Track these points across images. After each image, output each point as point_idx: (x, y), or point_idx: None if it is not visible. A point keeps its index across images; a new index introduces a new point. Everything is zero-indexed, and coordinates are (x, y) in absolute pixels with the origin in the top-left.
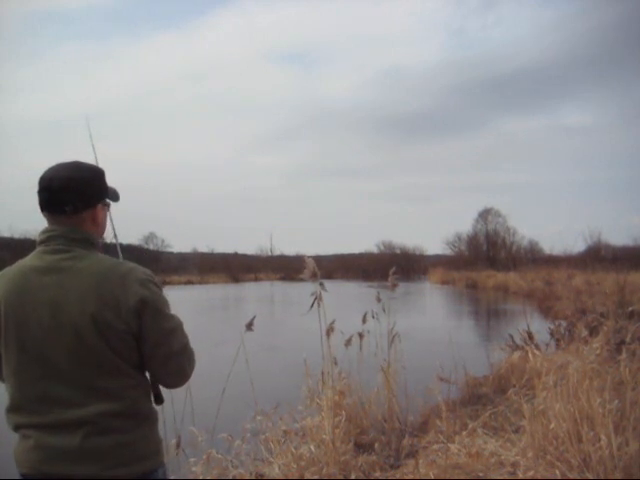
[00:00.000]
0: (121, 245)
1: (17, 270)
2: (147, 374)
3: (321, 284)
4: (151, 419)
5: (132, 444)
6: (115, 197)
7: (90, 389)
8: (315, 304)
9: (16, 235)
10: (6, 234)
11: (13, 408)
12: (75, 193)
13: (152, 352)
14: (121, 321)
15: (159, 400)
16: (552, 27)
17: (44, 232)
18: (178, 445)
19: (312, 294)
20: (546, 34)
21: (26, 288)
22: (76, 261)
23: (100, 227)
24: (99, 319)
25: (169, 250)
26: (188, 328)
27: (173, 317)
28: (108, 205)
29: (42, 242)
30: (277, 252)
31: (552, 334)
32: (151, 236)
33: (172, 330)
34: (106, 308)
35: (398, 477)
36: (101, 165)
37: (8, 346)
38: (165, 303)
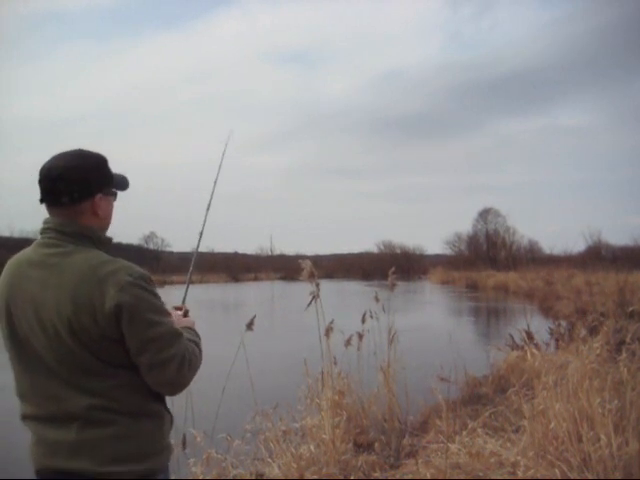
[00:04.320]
0: (120, 245)
1: (15, 260)
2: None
3: (317, 285)
4: (151, 417)
5: (129, 438)
6: (123, 185)
7: (75, 386)
8: (313, 304)
9: (15, 234)
10: (5, 233)
11: (19, 396)
12: (72, 182)
13: (136, 360)
14: (97, 326)
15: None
16: (549, 29)
17: (43, 222)
18: (184, 445)
19: (310, 293)
20: (543, 36)
21: (17, 281)
22: (63, 257)
23: (102, 219)
24: (74, 323)
25: (169, 250)
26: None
27: (159, 324)
28: (114, 195)
29: (40, 233)
30: (277, 252)
31: (552, 334)
32: (151, 236)
33: (155, 338)
34: (81, 312)
35: (398, 477)
36: None
37: (5, 337)
38: (151, 309)
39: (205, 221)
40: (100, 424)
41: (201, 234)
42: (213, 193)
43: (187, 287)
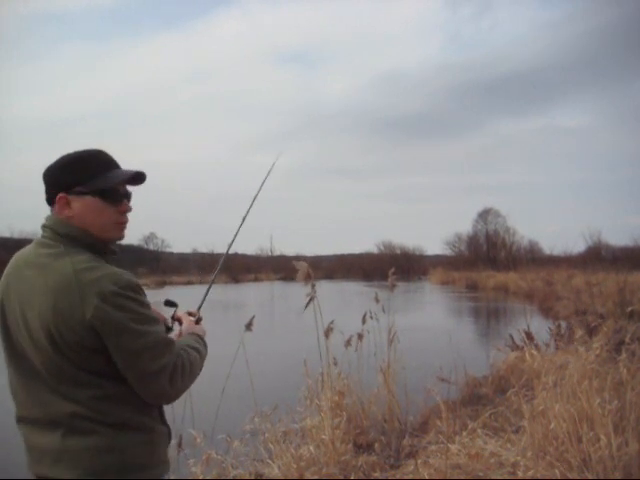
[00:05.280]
0: (120, 246)
1: (15, 259)
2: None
3: (313, 286)
4: (140, 430)
5: (111, 451)
6: (105, 182)
7: (59, 393)
8: (311, 305)
9: (15, 235)
10: (5, 234)
11: (13, 397)
12: (45, 183)
13: (124, 372)
14: (75, 335)
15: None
16: (549, 29)
17: (45, 219)
18: (179, 445)
19: (307, 294)
20: (543, 36)
21: (12, 279)
22: (54, 259)
23: (80, 221)
24: (53, 330)
25: (169, 250)
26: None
27: (148, 333)
28: (93, 194)
29: (41, 229)
30: (277, 252)
31: (552, 334)
32: (151, 236)
33: (145, 348)
34: (60, 319)
35: (398, 477)
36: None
37: (0, 336)
38: (138, 319)
39: (231, 244)
40: (83, 433)
41: (226, 253)
42: (244, 220)
43: (205, 295)
